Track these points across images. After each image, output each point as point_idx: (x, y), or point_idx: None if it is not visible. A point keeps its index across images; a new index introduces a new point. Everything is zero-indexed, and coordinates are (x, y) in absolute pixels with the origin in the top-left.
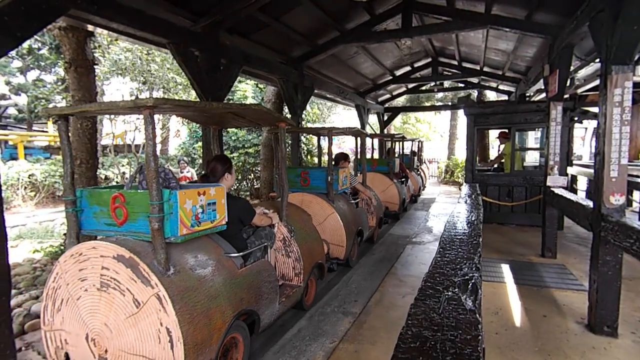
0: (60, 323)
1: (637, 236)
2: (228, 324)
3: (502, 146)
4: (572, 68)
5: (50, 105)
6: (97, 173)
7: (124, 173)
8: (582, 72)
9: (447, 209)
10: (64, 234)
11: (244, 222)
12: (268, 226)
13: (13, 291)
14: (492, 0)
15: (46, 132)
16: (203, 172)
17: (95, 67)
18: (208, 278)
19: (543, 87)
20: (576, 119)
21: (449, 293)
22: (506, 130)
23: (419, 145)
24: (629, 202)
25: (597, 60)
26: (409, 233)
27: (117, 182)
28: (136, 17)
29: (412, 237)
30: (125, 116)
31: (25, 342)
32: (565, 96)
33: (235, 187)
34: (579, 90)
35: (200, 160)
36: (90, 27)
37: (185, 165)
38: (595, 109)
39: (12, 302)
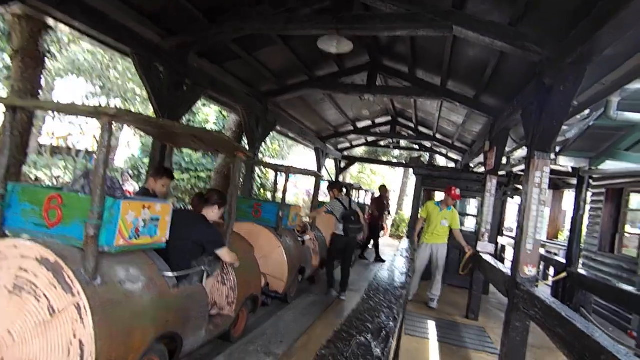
0: None
1: (541, 306)
2: (147, 345)
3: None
4: (508, 148)
5: None
6: (27, 172)
7: (58, 177)
8: (518, 153)
9: (387, 260)
10: None
11: (207, 250)
12: (215, 257)
13: None
14: (447, 76)
15: None
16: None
17: (49, 61)
18: (136, 294)
19: (483, 161)
20: (509, 193)
21: (361, 338)
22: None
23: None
24: (545, 276)
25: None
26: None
27: (47, 185)
28: (100, 20)
29: (349, 285)
30: (74, 117)
31: None
32: (502, 172)
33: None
34: (515, 169)
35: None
36: (51, 21)
37: (129, 178)
38: None
39: None
